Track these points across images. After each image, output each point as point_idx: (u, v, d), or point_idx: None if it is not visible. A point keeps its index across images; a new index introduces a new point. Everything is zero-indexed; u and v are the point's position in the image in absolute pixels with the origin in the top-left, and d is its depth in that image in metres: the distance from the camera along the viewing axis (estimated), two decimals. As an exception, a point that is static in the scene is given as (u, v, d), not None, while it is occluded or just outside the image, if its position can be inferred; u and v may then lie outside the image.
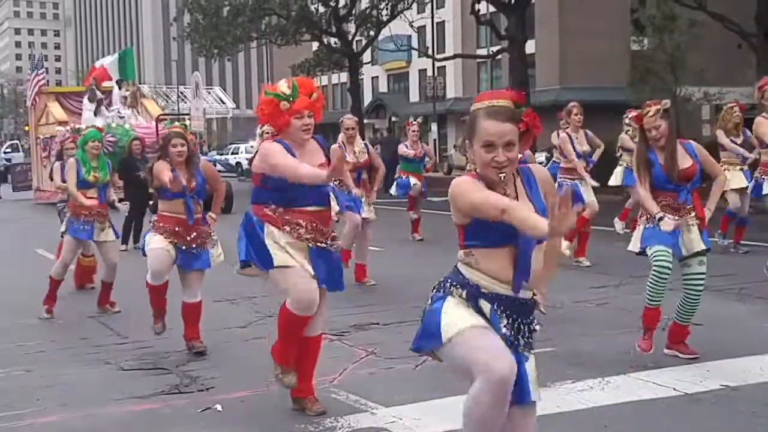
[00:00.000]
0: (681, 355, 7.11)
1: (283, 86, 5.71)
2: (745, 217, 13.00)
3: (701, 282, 7.06)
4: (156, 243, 7.82)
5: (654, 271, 6.96)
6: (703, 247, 6.98)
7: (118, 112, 25.85)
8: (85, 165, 9.78)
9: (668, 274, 6.95)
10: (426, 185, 15.71)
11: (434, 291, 3.95)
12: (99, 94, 26.59)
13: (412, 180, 15.28)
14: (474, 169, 3.80)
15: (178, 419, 6.10)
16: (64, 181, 10.91)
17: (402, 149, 15.43)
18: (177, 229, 7.81)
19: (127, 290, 9.96)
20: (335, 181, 10.93)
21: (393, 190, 15.73)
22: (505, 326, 3.76)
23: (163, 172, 7.67)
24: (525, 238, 3.65)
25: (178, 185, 7.62)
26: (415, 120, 16.29)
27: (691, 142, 7.12)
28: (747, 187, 12.63)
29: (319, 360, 6.19)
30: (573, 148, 11.82)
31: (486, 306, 3.78)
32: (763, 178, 11.72)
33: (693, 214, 6.96)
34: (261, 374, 6.55)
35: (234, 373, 7.09)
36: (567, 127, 12.03)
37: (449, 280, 3.91)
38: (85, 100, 26.88)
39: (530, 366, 3.80)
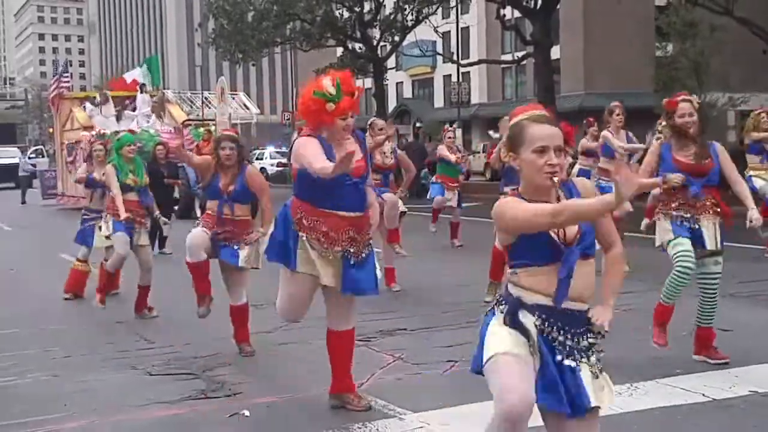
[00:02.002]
0: (710, 361, 7.06)
1: (328, 85, 5.65)
2: None
3: (716, 282, 7.08)
4: (194, 229, 8.05)
5: (677, 270, 6.93)
6: (716, 246, 6.94)
7: (147, 117, 26.00)
8: (122, 169, 9.85)
9: (689, 274, 6.93)
10: (459, 195, 15.58)
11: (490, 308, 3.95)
12: (103, 100, 26.82)
13: (448, 194, 15.20)
14: (515, 188, 3.80)
15: (206, 425, 6.11)
16: (91, 184, 11.04)
17: (443, 152, 15.32)
18: (211, 224, 7.97)
19: (153, 295, 9.98)
20: None
21: (430, 194, 15.67)
22: (546, 334, 3.71)
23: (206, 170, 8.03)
24: (569, 253, 3.64)
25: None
26: (451, 126, 16.27)
27: (716, 143, 7.09)
28: None
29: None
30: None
31: (527, 317, 3.72)
32: None
33: (711, 211, 6.94)
34: (288, 380, 6.56)
35: (261, 379, 7.09)
36: (608, 127, 11.90)
37: (499, 296, 3.91)
38: (88, 104, 27.29)
39: (585, 374, 3.70)
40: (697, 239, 6.91)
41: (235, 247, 7.90)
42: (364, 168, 5.89)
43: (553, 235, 3.65)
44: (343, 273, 5.85)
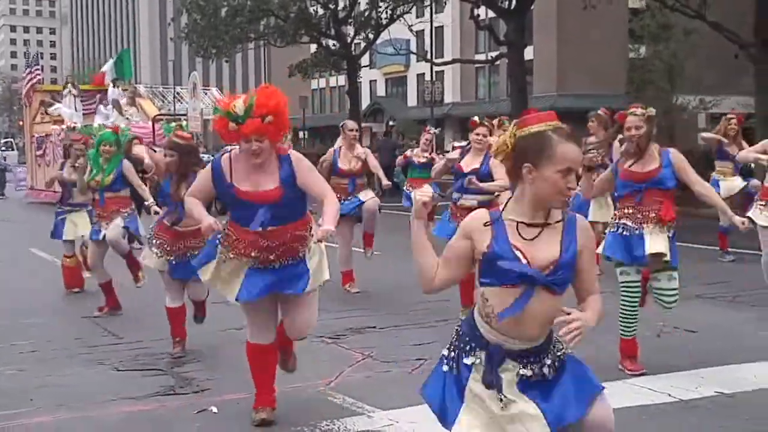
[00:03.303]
0: (627, 371, 7.02)
1: (237, 104, 5.41)
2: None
3: (674, 298, 7.09)
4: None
5: (622, 304, 7.01)
6: (661, 249, 6.87)
7: (128, 113, 25.80)
8: (95, 167, 9.69)
9: (636, 306, 7.02)
10: (437, 187, 15.50)
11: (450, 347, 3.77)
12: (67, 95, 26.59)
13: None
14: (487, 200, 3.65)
15: (174, 421, 6.09)
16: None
17: (411, 155, 15.25)
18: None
19: (120, 291, 9.92)
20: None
21: (404, 202, 15.64)
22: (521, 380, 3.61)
23: None
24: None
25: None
26: (434, 129, 16.24)
27: (671, 150, 7.07)
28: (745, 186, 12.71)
29: (316, 362, 6.19)
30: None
31: (508, 370, 3.61)
32: None
33: (656, 221, 6.91)
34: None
35: (229, 375, 7.07)
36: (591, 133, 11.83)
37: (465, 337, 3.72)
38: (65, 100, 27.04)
39: (565, 386, 3.65)
40: (637, 247, 6.88)
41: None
42: (277, 196, 5.55)
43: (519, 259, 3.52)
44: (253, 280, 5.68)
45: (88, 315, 9.70)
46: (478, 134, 8.93)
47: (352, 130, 10.92)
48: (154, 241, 7.82)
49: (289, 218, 5.62)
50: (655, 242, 6.86)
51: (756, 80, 24.05)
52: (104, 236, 9.49)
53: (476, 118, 9.27)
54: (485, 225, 3.58)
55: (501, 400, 3.55)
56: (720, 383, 6.64)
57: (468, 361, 3.64)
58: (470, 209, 8.87)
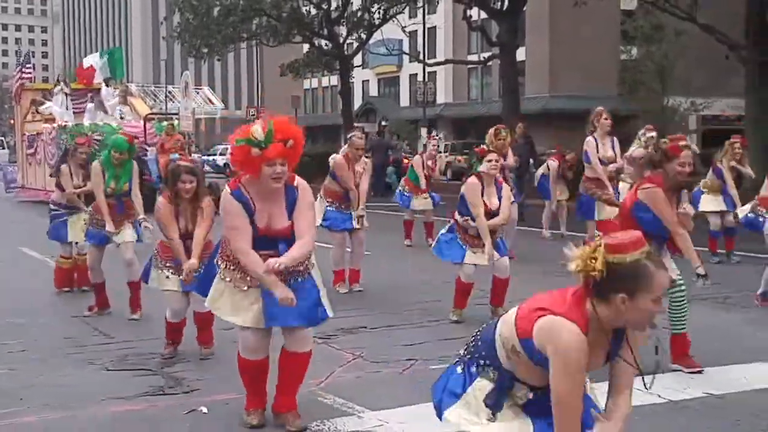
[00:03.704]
0: (685, 369, 7.04)
1: (257, 131, 5.42)
2: (732, 227, 12.92)
3: (682, 289, 7.06)
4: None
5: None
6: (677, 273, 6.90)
7: (120, 110, 25.75)
8: (107, 171, 9.42)
9: (684, 300, 7.06)
10: (432, 196, 15.51)
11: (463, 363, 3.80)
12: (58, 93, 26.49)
13: (415, 202, 15.22)
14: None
15: (163, 421, 6.07)
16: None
17: (417, 163, 15.46)
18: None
19: (110, 291, 9.88)
20: (330, 200, 10.82)
21: (398, 200, 15.67)
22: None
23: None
24: None
25: None
26: (437, 135, 16.30)
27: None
28: (726, 211, 12.72)
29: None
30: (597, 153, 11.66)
31: (517, 395, 3.65)
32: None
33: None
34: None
35: (219, 375, 7.06)
36: (593, 132, 11.80)
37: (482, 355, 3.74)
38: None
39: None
40: None
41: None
42: (288, 231, 5.62)
43: None
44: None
45: (79, 315, 9.67)
46: (490, 160, 8.80)
47: (358, 148, 10.77)
48: (160, 262, 7.73)
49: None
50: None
51: (746, 81, 24.12)
52: (108, 241, 9.46)
53: (484, 146, 9.28)
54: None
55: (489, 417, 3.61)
56: (710, 384, 6.66)
57: (475, 370, 3.71)
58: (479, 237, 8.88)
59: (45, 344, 8.38)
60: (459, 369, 3.78)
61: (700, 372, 6.98)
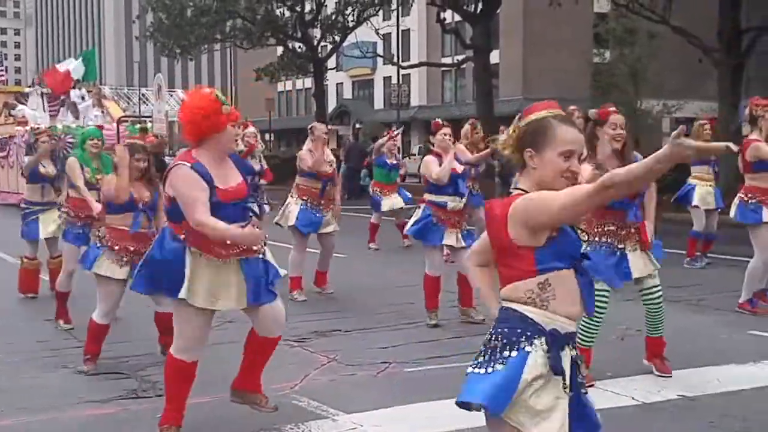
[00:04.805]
0: (656, 372, 7.04)
1: (218, 93, 5.45)
2: (713, 233, 12.93)
3: (659, 293, 7.03)
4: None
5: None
6: (653, 269, 6.88)
7: (95, 114, 25.58)
8: (87, 165, 9.22)
9: (603, 314, 6.78)
10: (402, 191, 15.47)
11: (490, 351, 3.43)
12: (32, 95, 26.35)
13: (385, 202, 15.16)
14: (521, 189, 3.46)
15: (136, 424, 6.05)
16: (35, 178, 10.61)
17: (381, 158, 15.34)
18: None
19: (84, 295, 9.81)
20: (304, 198, 10.70)
21: (375, 215, 15.60)
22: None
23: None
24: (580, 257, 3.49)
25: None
26: (397, 130, 16.23)
27: (637, 155, 6.76)
28: (717, 209, 12.72)
29: (281, 365, 6.16)
30: None
31: (566, 356, 3.49)
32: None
33: (637, 238, 6.80)
34: (220, 380, 6.49)
35: (193, 379, 7.02)
36: None
37: (518, 331, 3.42)
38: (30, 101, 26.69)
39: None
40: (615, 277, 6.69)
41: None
42: (245, 189, 5.53)
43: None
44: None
45: (51, 318, 9.59)
46: (445, 134, 8.92)
47: (324, 133, 10.71)
48: (110, 246, 7.37)
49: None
50: (646, 262, 6.84)
51: (719, 85, 24.26)
52: (87, 241, 9.11)
53: (439, 120, 9.28)
54: None
55: (564, 386, 3.46)
56: (683, 386, 6.70)
57: (525, 349, 3.39)
58: (460, 212, 8.96)
59: (17, 348, 8.32)
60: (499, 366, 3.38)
61: (668, 377, 7.00)
